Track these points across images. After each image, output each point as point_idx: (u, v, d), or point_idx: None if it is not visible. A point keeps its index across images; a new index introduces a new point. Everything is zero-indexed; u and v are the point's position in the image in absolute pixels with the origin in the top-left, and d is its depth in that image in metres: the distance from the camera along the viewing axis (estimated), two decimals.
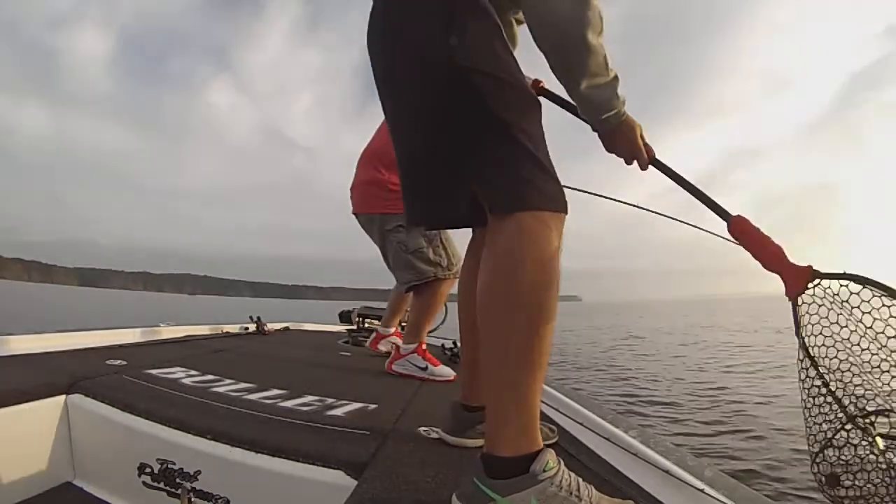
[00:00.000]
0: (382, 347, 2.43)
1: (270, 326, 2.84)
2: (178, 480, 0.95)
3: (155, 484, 0.98)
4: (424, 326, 2.07)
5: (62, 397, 1.13)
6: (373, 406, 1.27)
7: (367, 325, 3.24)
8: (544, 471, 0.67)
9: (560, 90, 0.89)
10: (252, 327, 2.74)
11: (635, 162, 0.94)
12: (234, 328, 2.67)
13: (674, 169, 0.95)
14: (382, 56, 0.87)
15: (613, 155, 0.95)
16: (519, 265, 0.71)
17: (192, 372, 1.47)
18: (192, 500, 0.93)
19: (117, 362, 1.47)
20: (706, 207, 0.95)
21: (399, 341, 2.39)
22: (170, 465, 0.96)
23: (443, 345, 2.63)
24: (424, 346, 1.96)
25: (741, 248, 0.89)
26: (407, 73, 0.82)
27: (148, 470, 0.98)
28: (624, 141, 0.92)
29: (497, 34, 0.80)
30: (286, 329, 2.99)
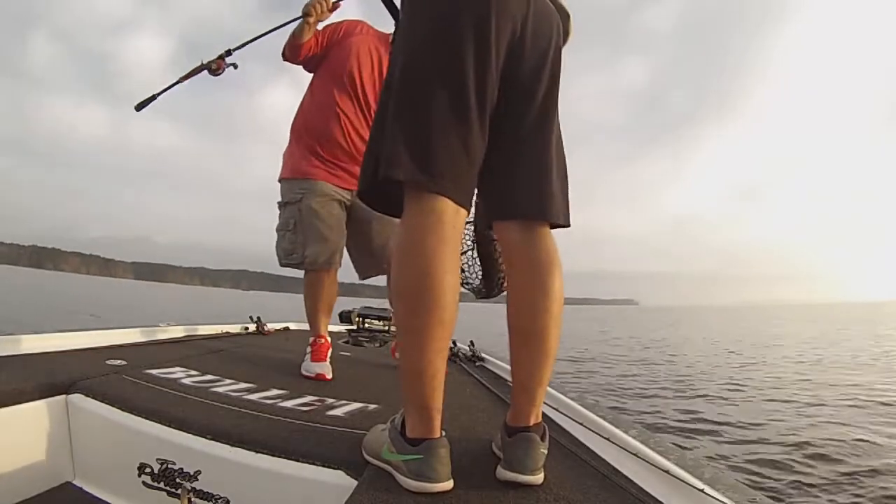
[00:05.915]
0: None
1: (270, 326, 2.84)
2: (178, 480, 0.95)
3: (155, 484, 0.98)
4: (310, 317, 1.87)
5: (62, 397, 1.13)
6: (373, 406, 1.27)
7: (367, 325, 3.24)
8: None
9: None
10: (252, 327, 2.74)
11: None
12: (234, 328, 2.67)
13: None
14: None
15: None
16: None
17: (192, 372, 1.47)
18: (192, 500, 0.93)
19: (117, 362, 1.47)
20: None
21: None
22: (170, 465, 0.96)
23: None
24: (321, 339, 1.76)
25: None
26: None
27: (148, 470, 0.99)
28: None
29: None
30: (286, 329, 2.99)
